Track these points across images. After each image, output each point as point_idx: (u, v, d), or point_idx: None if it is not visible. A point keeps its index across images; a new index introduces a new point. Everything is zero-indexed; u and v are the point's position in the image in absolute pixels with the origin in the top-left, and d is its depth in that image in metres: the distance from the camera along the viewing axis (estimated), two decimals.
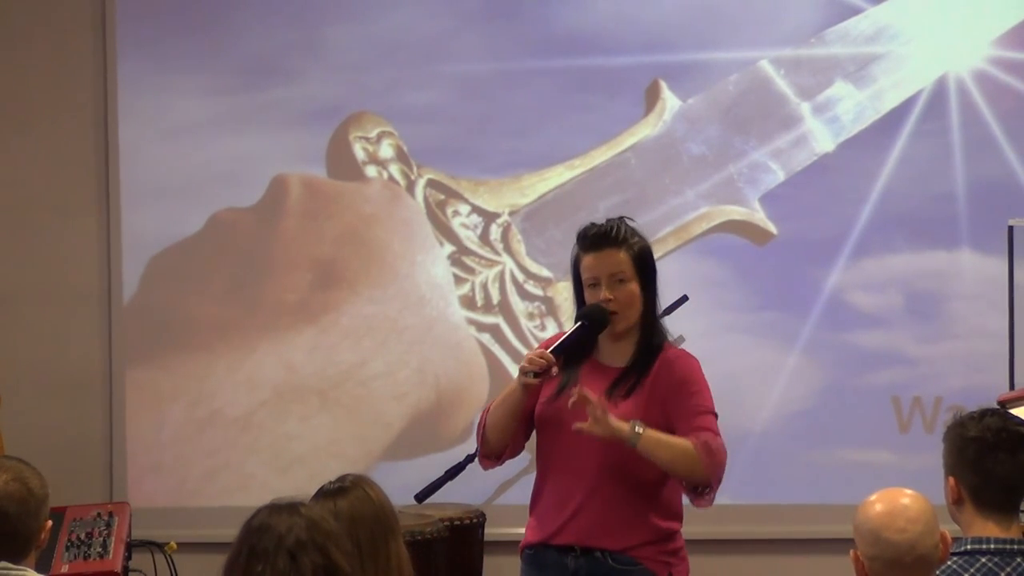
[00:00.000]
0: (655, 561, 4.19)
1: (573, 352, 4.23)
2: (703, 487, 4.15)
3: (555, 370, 4.16)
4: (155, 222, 6.50)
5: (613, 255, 4.21)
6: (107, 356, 6.51)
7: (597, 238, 4.23)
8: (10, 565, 3.45)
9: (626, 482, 4.17)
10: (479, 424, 4.31)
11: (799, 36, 6.33)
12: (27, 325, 6.53)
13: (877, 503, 3.19)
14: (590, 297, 4.23)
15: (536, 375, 4.15)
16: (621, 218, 4.29)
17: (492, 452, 4.30)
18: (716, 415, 4.19)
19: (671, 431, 4.13)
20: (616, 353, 4.25)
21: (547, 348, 4.22)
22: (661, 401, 4.18)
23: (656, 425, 4.13)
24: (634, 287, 4.21)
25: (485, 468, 4.36)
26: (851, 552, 3.21)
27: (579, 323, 4.21)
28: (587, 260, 4.24)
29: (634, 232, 4.26)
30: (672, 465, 4.09)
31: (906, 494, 3.20)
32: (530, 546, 4.28)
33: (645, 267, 4.25)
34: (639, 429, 4.06)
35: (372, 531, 3.32)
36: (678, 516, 4.26)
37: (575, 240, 4.29)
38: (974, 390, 5.81)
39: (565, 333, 4.26)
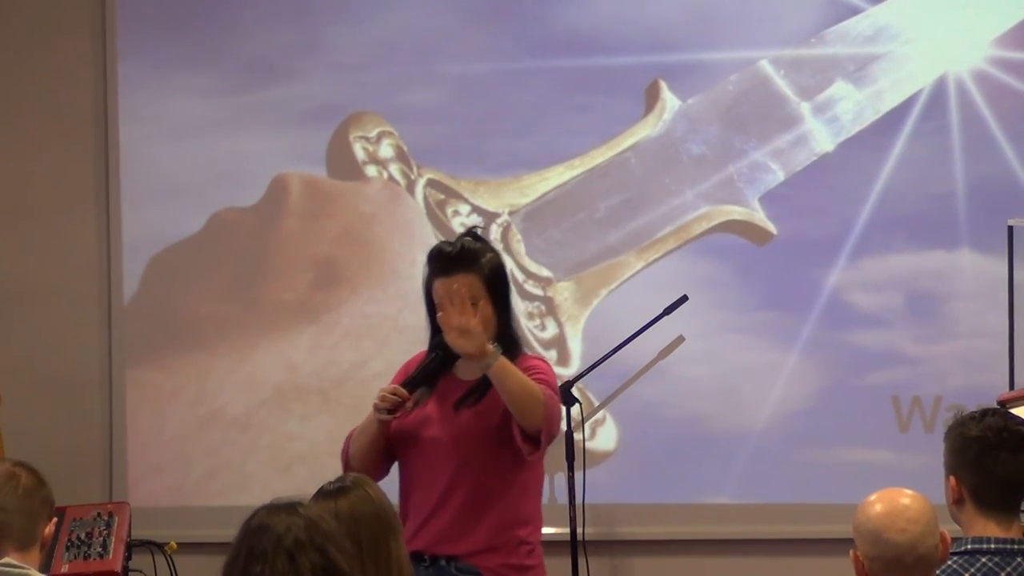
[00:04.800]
0: (497, 573, 4.17)
1: (430, 375, 4.21)
2: (535, 436, 4.11)
3: (409, 404, 4.14)
4: (155, 222, 6.50)
5: (463, 280, 4.15)
6: (107, 356, 6.50)
7: (447, 262, 4.17)
8: (13, 562, 3.45)
9: (475, 488, 4.16)
10: (343, 452, 4.34)
11: (799, 36, 6.33)
12: (27, 325, 6.53)
13: (877, 503, 3.19)
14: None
15: (390, 412, 4.14)
16: (472, 232, 4.24)
17: None
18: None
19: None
20: (472, 367, 4.21)
21: (406, 376, 4.22)
22: None
23: (503, 418, 4.14)
24: (487, 309, 4.17)
25: None
26: (851, 552, 3.22)
27: (434, 353, 4.19)
28: (437, 285, 4.18)
29: (484, 249, 4.22)
30: (518, 397, 4.06)
31: (906, 494, 3.20)
32: None
33: (497, 284, 4.20)
34: (498, 351, 4.06)
35: (372, 531, 3.33)
36: (529, 523, 4.23)
37: (427, 260, 4.24)
38: (974, 390, 5.80)
39: (420, 362, 4.22)
